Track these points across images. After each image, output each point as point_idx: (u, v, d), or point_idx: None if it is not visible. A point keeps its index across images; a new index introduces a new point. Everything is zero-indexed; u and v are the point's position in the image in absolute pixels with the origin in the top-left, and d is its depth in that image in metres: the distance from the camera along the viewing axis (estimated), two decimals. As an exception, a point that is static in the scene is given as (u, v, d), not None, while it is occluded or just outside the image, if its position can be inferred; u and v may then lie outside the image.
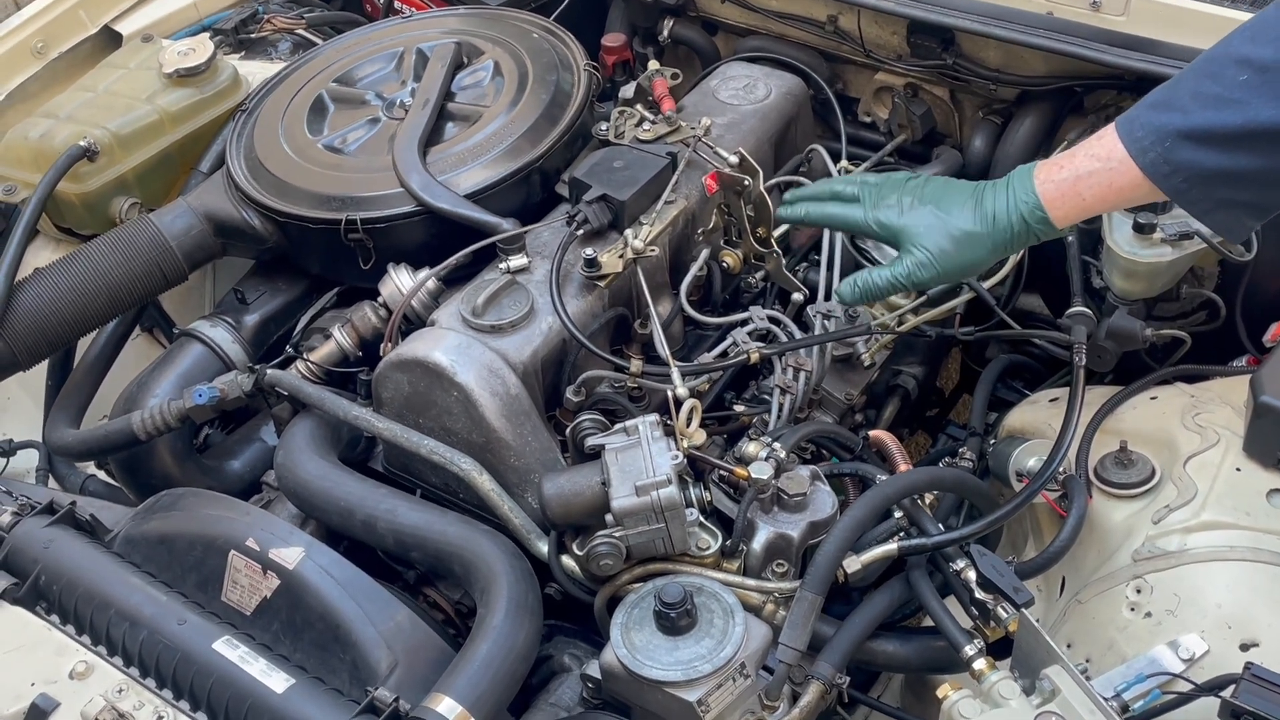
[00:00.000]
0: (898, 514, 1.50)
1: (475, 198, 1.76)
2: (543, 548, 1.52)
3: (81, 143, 1.99)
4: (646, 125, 1.87)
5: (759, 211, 1.75)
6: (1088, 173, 1.35)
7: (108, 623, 1.35)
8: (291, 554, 1.39)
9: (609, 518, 1.41)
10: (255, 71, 2.25)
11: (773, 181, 1.98)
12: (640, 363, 1.65)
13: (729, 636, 1.33)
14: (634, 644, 1.35)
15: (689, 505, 1.43)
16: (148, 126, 2.08)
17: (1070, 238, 1.84)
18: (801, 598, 1.40)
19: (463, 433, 1.58)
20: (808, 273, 1.95)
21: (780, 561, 1.48)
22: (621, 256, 1.68)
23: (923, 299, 1.91)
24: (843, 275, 1.88)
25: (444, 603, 1.68)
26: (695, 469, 1.52)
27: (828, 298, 1.85)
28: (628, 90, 1.95)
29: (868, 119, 2.28)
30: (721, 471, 1.52)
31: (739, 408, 1.74)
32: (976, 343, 2.06)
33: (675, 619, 1.33)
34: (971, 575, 1.41)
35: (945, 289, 1.90)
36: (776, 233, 1.81)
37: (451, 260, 1.71)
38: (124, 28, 2.36)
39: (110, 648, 1.34)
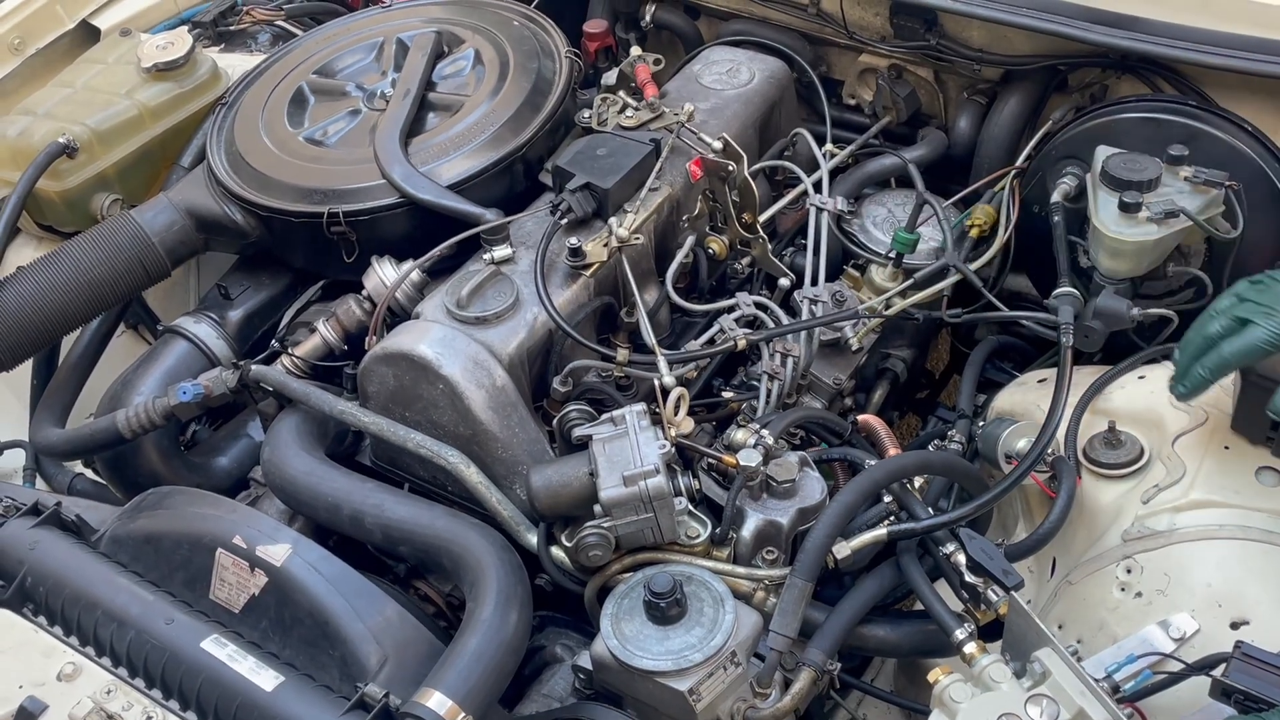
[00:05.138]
0: (887, 498, 1.50)
1: (458, 188, 1.75)
2: (532, 539, 1.51)
3: (60, 139, 1.98)
4: (629, 112, 1.86)
5: (744, 197, 1.74)
6: None
7: (95, 623, 1.34)
8: (279, 551, 1.38)
9: (597, 508, 1.41)
10: (235, 64, 2.24)
11: (757, 166, 1.97)
12: (627, 352, 1.64)
13: (719, 625, 1.33)
14: (624, 634, 1.34)
15: (677, 494, 1.43)
16: (127, 122, 2.07)
17: (1056, 218, 1.83)
18: (791, 584, 1.39)
19: (449, 425, 1.57)
20: (794, 257, 1.94)
21: (770, 548, 1.48)
22: (606, 245, 1.67)
23: (910, 281, 1.90)
24: (829, 260, 1.88)
25: (435, 595, 1.67)
26: (684, 457, 1.52)
27: (814, 282, 1.84)
28: (610, 77, 1.94)
29: (852, 101, 2.27)
30: (710, 459, 1.52)
31: (728, 394, 1.74)
32: (965, 324, 2.06)
33: (665, 608, 1.33)
34: (961, 559, 1.41)
35: (934, 270, 1.89)
36: (762, 217, 1.80)
37: (434, 252, 1.69)
38: (102, 22, 2.35)
39: (98, 648, 1.34)
